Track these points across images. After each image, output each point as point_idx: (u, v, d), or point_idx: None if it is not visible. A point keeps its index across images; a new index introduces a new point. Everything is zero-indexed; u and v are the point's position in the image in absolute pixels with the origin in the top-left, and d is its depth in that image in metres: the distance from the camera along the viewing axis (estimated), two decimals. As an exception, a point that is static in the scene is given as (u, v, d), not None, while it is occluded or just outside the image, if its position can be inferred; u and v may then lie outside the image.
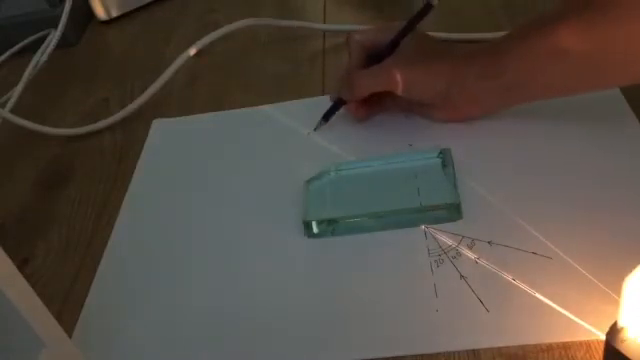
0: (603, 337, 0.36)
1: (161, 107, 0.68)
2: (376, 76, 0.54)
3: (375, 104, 0.57)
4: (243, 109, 0.65)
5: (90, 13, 0.86)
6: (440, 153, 0.51)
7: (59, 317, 0.40)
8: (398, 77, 0.52)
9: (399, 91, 0.53)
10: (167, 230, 0.54)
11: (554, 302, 0.41)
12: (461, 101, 0.53)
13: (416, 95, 0.54)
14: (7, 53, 0.79)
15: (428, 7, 0.53)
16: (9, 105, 0.69)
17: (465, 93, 0.52)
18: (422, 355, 0.40)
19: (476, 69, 0.51)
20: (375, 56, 0.55)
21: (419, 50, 0.53)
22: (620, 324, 0.35)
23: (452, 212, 0.47)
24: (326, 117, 0.59)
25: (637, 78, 0.47)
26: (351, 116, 0.59)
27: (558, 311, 0.40)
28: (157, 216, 0.56)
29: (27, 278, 0.36)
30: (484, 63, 0.51)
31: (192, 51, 0.70)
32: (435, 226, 0.47)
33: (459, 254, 0.45)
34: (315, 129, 0.59)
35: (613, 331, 0.35)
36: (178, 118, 0.66)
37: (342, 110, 0.59)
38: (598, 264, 0.42)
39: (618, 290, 0.34)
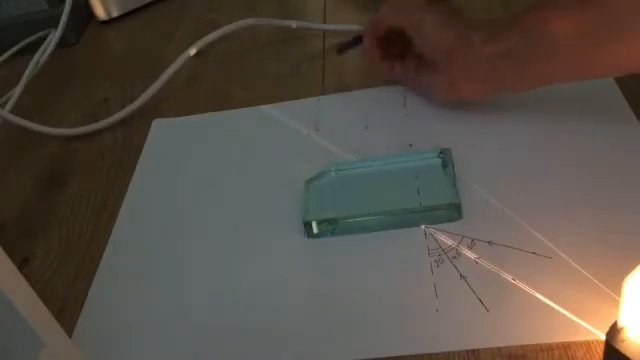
0: (603, 337, 0.36)
1: (161, 107, 0.68)
2: (399, 9, 0.56)
3: (390, 51, 0.59)
4: (243, 109, 0.65)
5: (90, 13, 0.86)
6: (440, 153, 0.51)
7: (59, 317, 0.40)
8: (416, 16, 0.54)
9: (412, 31, 0.54)
10: (167, 230, 0.54)
11: (554, 302, 0.41)
12: (461, 73, 0.53)
13: (426, 41, 0.54)
14: (7, 53, 0.79)
15: None
16: (9, 105, 0.69)
17: (468, 61, 0.52)
18: (422, 355, 0.40)
19: (482, 32, 0.51)
20: None
21: (449, 10, 0.55)
22: (620, 324, 0.35)
23: (452, 212, 0.47)
24: (341, 49, 0.60)
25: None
26: (351, 116, 0.59)
27: (558, 311, 0.40)
28: (157, 216, 0.56)
29: (27, 278, 0.36)
30: (491, 24, 0.51)
31: (192, 51, 0.70)
32: (435, 226, 0.47)
33: (459, 254, 0.45)
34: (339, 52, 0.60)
35: (613, 331, 0.35)
36: (178, 118, 0.66)
37: (342, 111, 0.59)
38: (598, 264, 0.42)
39: (618, 290, 0.34)
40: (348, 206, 0.49)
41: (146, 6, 0.88)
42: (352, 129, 0.58)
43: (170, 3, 0.88)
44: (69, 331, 0.47)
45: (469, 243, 0.46)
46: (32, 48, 0.77)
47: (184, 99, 0.69)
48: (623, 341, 0.35)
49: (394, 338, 0.41)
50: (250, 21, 0.72)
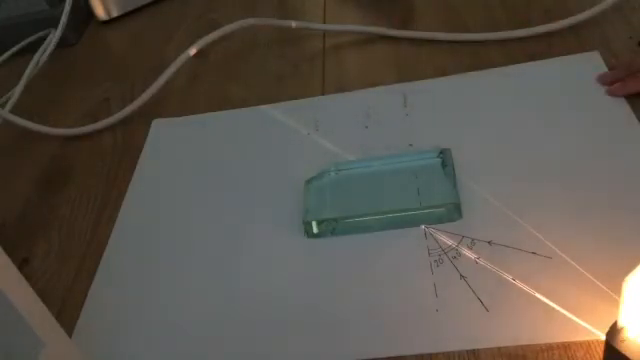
0: (603, 337, 0.36)
1: (161, 107, 0.68)
2: None
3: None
4: (243, 109, 0.65)
5: (90, 13, 0.87)
6: (440, 153, 0.51)
7: (59, 317, 0.40)
8: None
9: None
10: (167, 230, 0.54)
11: (554, 302, 0.41)
12: None
13: None
14: (7, 53, 0.80)
15: None
16: (9, 105, 0.69)
17: None
18: (422, 355, 0.40)
19: None
20: None
21: None
22: (620, 324, 0.35)
23: (452, 212, 0.47)
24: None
25: None
26: (351, 116, 0.59)
27: (558, 311, 0.40)
28: (157, 216, 0.56)
29: (27, 278, 0.36)
30: None
31: (192, 51, 0.70)
32: (435, 226, 0.47)
33: (459, 254, 0.45)
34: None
35: (613, 331, 0.35)
36: (178, 118, 0.66)
37: (342, 111, 0.59)
38: (598, 264, 0.42)
39: (618, 290, 0.34)
40: (348, 206, 0.49)
41: (146, 6, 0.88)
42: (352, 129, 0.58)
43: (170, 3, 0.88)
44: (69, 331, 0.47)
45: (469, 243, 0.46)
46: (32, 48, 0.77)
47: (184, 99, 0.69)
48: (623, 341, 0.35)
49: (394, 338, 0.41)
50: (250, 21, 0.72)
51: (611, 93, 0.54)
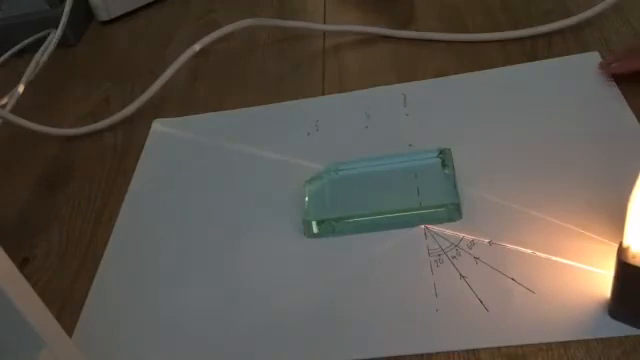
0: (602, 336, 0.36)
1: (161, 107, 0.68)
2: None
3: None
4: (243, 109, 0.65)
5: (90, 13, 0.87)
6: (440, 153, 0.51)
7: (59, 317, 0.40)
8: None
9: None
10: (167, 230, 0.54)
11: (554, 302, 0.41)
12: None
13: None
14: (7, 53, 0.79)
15: None
16: (9, 105, 0.69)
17: None
18: (422, 355, 0.40)
19: None
20: None
21: None
22: (625, 243, 0.36)
23: (452, 212, 0.47)
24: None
25: None
26: (351, 116, 0.59)
27: (558, 311, 0.40)
28: (157, 216, 0.56)
29: (27, 278, 0.36)
30: None
31: (193, 51, 0.70)
32: (435, 226, 0.47)
33: (459, 254, 0.45)
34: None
35: (623, 251, 0.36)
36: (178, 118, 0.66)
37: (342, 111, 0.59)
38: (598, 264, 0.42)
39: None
40: (348, 206, 0.49)
41: (146, 6, 0.88)
42: (352, 129, 0.58)
43: (170, 3, 0.88)
44: (69, 331, 0.47)
45: (469, 243, 0.46)
46: (32, 48, 0.77)
47: (184, 99, 0.69)
48: (635, 257, 0.35)
49: (394, 338, 0.41)
50: (250, 21, 0.72)
51: (611, 71, 0.53)
